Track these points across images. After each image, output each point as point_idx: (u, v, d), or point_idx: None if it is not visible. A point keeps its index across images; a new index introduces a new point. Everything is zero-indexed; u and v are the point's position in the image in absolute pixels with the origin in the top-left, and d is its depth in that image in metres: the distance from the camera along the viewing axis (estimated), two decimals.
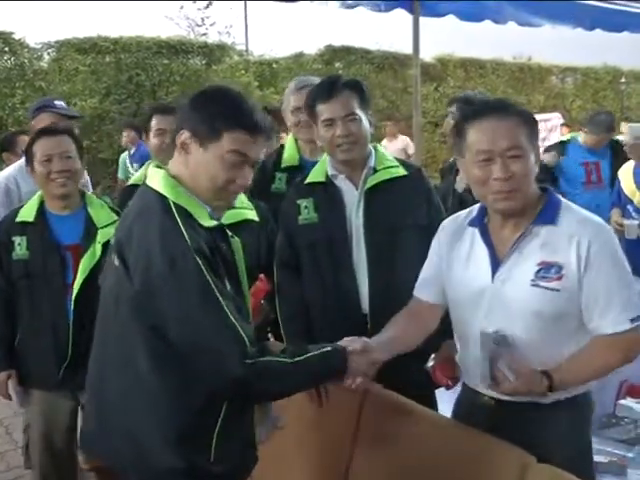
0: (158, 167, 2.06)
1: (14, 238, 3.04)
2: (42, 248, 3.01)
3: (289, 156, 3.56)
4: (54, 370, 3.00)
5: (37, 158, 3.01)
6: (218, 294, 1.82)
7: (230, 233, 2.11)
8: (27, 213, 3.08)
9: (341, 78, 2.80)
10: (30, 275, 3.01)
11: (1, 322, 3.10)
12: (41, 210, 3.08)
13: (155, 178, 2.01)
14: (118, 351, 2.00)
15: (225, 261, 1.96)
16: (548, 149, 6.21)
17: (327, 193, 2.81)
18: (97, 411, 2.10)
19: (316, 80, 3.64)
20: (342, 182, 2.80)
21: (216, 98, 2.03)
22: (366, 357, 2.08)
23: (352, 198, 2.77)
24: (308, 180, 2.88)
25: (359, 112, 2.72)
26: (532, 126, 2.09)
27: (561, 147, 6.12)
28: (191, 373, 1.88)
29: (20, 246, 3.03)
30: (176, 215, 1.87)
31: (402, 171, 2.81)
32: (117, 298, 1.97)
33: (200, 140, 1.96)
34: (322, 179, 2.83)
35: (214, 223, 1.97)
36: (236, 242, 2.11)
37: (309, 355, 1.94)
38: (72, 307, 2.96)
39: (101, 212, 3.11)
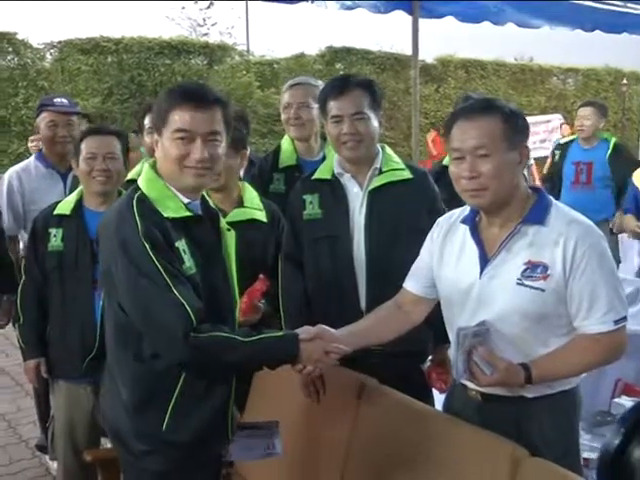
0: (150, 163, 2.25)
1: (50, 230, 3.14)
2: (76, 241, 3.10)
3: (287, 156, 3.59)
4: (79, 361, 3.07)
5: (82, 155, 3.09)
6: (164, 272, 1.99)
7: (227, 226, 2.34)
8: (65, 206, 3.17)
9: (354, 77, 2.83)
10: (62, 267, 3.11)
11: (33, 311, 3.20)
12: (78, 204, 3.17)
13: (142, 172, 2.24)
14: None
15: (200, 247, 2.16)
16: (556, 149, 6.29)
17: (332, 190, 2.84)
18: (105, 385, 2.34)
19: (311, 79, 3.68)
20: (347, 181, 2.83)
21: (165, 91, 2.24)
22: (320, 345, 2.16)
23: (356, 197, 2.81)
24: (315, 176, 2.92)
25: (368, 111, 2.73)
26: (514, 125, 2.10)
27: (564, 148, 6.19)
28: (145, 345, 2.09)
29: (55, 238, 3.12)
30: (134, 206, 2.07)
31: (408, 174, 2.84)
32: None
33: (158, 131, 2.17)
34: (328, 176, 2.87)
35: (183, 214, 2.12)
36: (230, 235, 2.33)
37: (261, 337, 2.07)
38: (100, 301, 3.01)
39: None
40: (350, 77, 2.82)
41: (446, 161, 4.49)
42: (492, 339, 2.13)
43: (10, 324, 3.76)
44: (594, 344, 2.08)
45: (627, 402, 3.41)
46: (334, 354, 2.19)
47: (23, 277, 3.24)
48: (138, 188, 2.16)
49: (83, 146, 3.10)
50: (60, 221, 3.14)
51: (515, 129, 2.10)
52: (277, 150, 3.68)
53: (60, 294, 3.13)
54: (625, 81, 20.24)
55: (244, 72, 14.23)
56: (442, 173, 4.22)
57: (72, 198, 3.21)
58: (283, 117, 3.59)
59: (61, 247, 3.11)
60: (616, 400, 3.45)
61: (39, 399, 4.18)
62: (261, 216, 3.08)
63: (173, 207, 2.11)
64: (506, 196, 2.12)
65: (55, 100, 4.01)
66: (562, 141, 6.53)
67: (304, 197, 2.88)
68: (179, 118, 2.09)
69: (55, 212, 3.16)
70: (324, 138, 3.64)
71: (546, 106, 18.31)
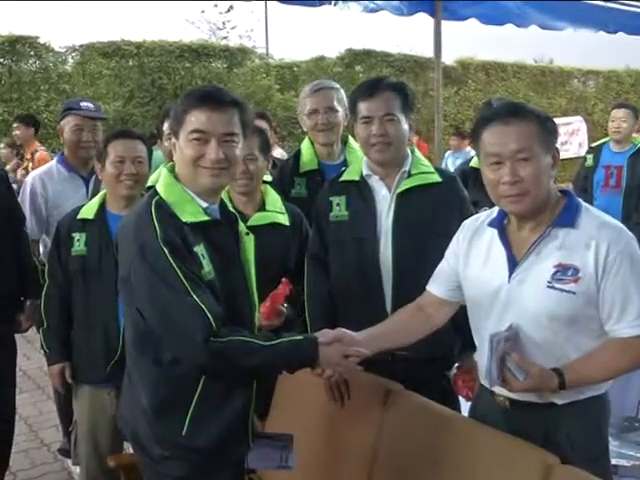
0: (168, 167, 2.26)
1: (74, 234, 3.14)
2: (99, 245, 3.09)
3: (307, 160, 3.57)
4: (102, 366, 3.07)
5: (110, 158, 3.08)
6: (183, 278, 1.99)
7: (246, 230, 2.35)
8: (88, 211, 3.17)
9: (386, 79, 2.82)
10: (86, 271, 3.10)
11: (57, 315, 3.20)
12: (101, 208, 3.16)
13: (160, 176, 2.25)
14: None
15: (219, 251, 2.15)
16: (588, 152, 6.23)
17: (360, 192, 2.83)
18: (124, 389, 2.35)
19: (332, 83, 3.66)
20: (376, 183, 2.82)
21: (182, 95, 2.25)
22: (339, 349, 2.15)
23: (384, 200, 2.79)
24: (343, 178, 2.91)
25: (398, 114, 2.72)
26: (547, 129, 2.10)
27: (596, 151, 6.11)
28: (165, 349, 2.09)
29: (79, 242, 3.12)
30: (153, 211, 2.07)
31: (437, 178, 2.82)
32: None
33: (175, 134, 2.18)
34: (356, 178, 2.85)
35: (202, 218, 2.12)
36: (248, 239, 2.33)
37: (280, 340, 2.07)
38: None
39: None
40: (382, 79, 2.81)
41: (473, 163, 4.42)
42: (522, 343, 2.11)
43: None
44: (626, 348, 2.06)
45: None
46: (353, 357, 2.17)
47: (47, 282, 3.24)
48: (156, 192, 2.16)
49: (111, 149, 3.09)
50: (83, 225, 3.14)
51: (548, 132, 2.10)
52: (297, 154, 3.66)
53: (84, 298, 3.13)
54: None
55: (264, 75, 14.24)
56: (469, 175, 4.16)
57: (95, 202, 3.20)
58: (309, 123, 3.54)
59: (84, 251, 3.11)
60: None
61: (60, 403, 4.17)
62: (283, 220, 3.07)
63: (191, 211, 2.12)
64: (543, 201, 2.10)
65: (82, 104, 3.98)
66: (593, 145, 6.43)
67: (331, 199, 2.87)
68: (195, 119, 2.11)
69: (78, 216, 3.16)
70: (344, 142, 3.63)
71: (567, 108, 18.19)
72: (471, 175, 4.10)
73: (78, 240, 3.12)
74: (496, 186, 2.10)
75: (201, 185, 2.14)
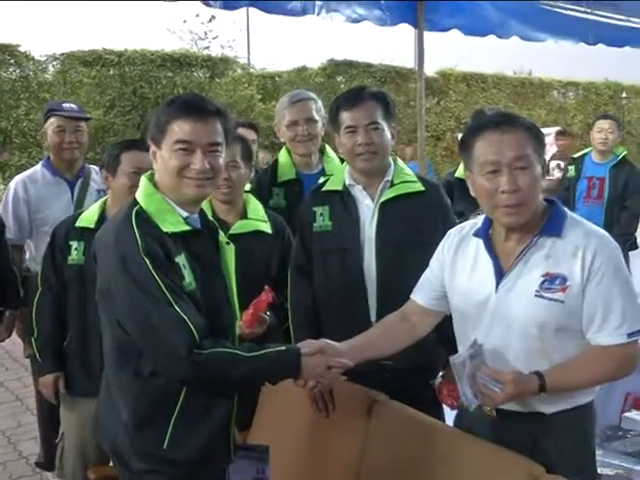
0: (147, 176, 2.23)
1: (71, 242, 3.07)
2: None
3: (285, 170, 3.56)
4: (97, 377, 2.99)
5: (123, 168, 2.99)
6: (165, 289, 1.96)
7: (227, 240, 2.33)
8: (88, 219, 3.09)
9: (367, 88, 2.82)
10: (83, 280, 3.02)
11: (49, 323, 3.12)
12: (102, 217, 3.07)
13: (140, 185, 2.21)
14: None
15: (200, 261, 2.13)
16: (570, 163, 6.25)
17: (343, 202, 2.82)
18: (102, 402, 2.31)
19: (310, 93, 3.65)
20: (359, 192, 2.81)
21: (164, 103, 2.21)
22: (322, 360, 2.14)
23: (367, 209, 2.78)
24: (325, 188, 2.90)
25: (382, 122, 2.73)
26: (538, 139, 2.11)
27: (578, 162, 6.13)
28: (147, 362, 2.06)
29: (77, 251, 3.05)
30: (133, 220, 2.04)
31: (419, 187, 2.81)
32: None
33: (156, 143, 2.14)
34: (339, 188, 2.84)
35: (183, 228, 2.10)
36: (229, 248, 2.32)
37: (263, 352, 2.04)
38: None
39: None
40: (363, 89, 2.81)
41: (458, 173, 4.42)
42: (512, 350, 2.10)
43: (8, 338, 3.71)
44: (606, 356, 2.05)
45: (637, 416, 3.37)
46: (336, 368, 2.16)
47: (40, 288, 3.16)
48: (136, 202, 2.13)
49: (126, 159, 3.00)
50: (82, 234, 3.05)
51: (539, 142, 2.10)
52: (274, 165, 3.65)
53: (80, 308, 3.04)
54: (625, 94, 20.31)
55: (246, 85, 14.27)
56: (454, 186, 4.15)
57: (95, 210, 3.12)
58: (288, 135, 3.53)
59: (82, 261, 3.03)
60: (626, 414, 3.41)
61: (43, 415, 4.07)
62: (265, 227, 3.06)
63: (172, 221, 2.09)
64: (535, 212, 2.09)
65: (64, 105, 3.93)
66: (575, 156, 6.46)
67: (314, 209, 2.86)
68: (179, 129, 2.08)
69: (77, 224, 3.08)
70: (321, 151, 3.63)
71: (546, 119, 18.35)
72: (456, 186, 4.10)
73: (76, 249, 3.05)
74: (493, 195, 2.07)
75: (185, 195, 2.12)
